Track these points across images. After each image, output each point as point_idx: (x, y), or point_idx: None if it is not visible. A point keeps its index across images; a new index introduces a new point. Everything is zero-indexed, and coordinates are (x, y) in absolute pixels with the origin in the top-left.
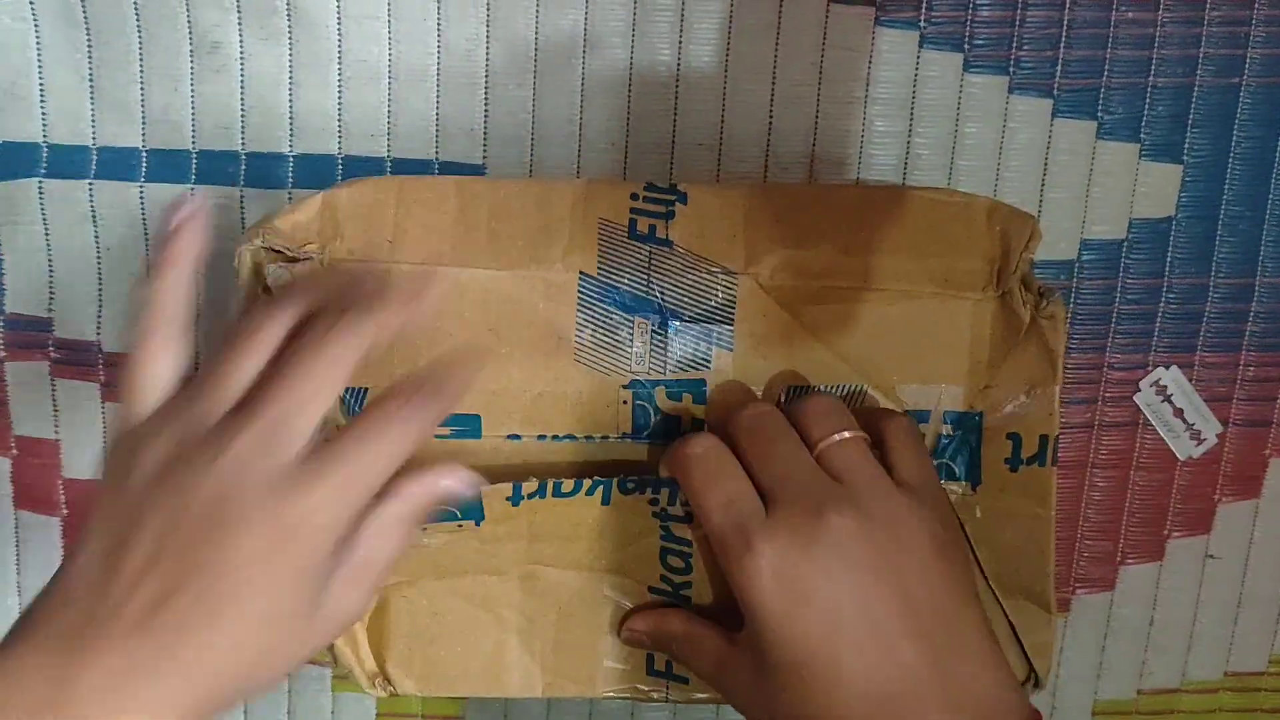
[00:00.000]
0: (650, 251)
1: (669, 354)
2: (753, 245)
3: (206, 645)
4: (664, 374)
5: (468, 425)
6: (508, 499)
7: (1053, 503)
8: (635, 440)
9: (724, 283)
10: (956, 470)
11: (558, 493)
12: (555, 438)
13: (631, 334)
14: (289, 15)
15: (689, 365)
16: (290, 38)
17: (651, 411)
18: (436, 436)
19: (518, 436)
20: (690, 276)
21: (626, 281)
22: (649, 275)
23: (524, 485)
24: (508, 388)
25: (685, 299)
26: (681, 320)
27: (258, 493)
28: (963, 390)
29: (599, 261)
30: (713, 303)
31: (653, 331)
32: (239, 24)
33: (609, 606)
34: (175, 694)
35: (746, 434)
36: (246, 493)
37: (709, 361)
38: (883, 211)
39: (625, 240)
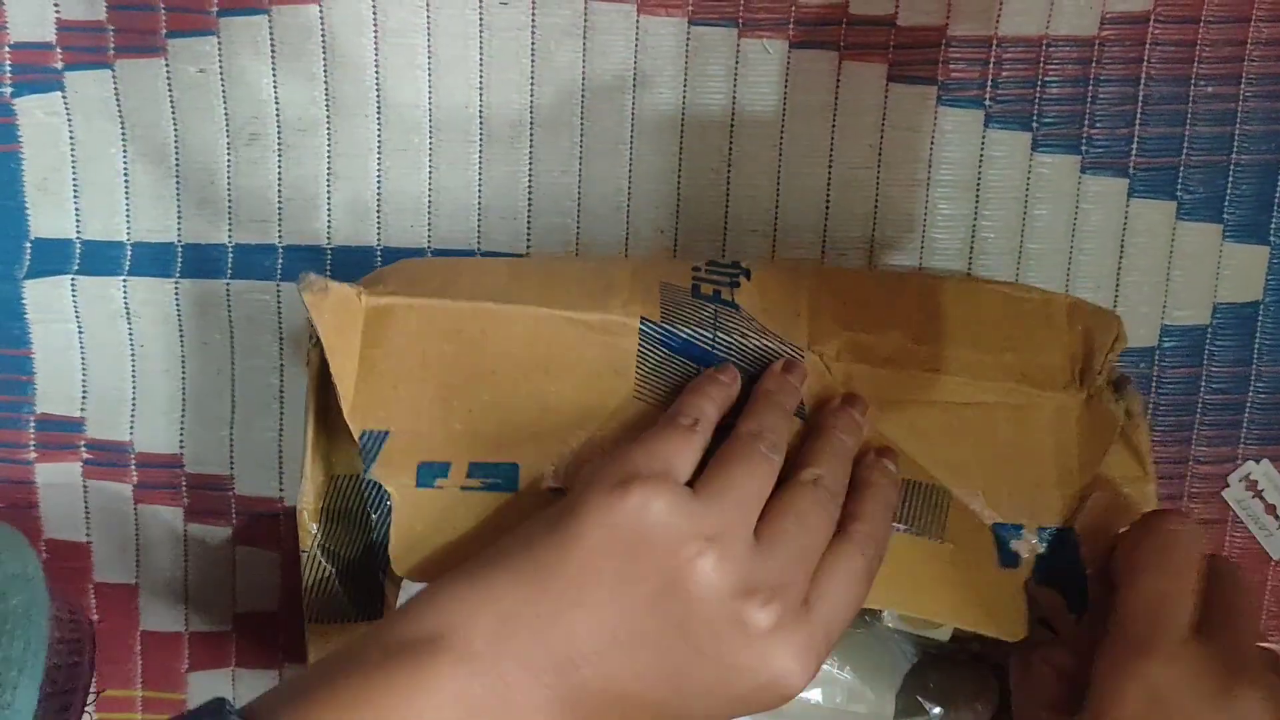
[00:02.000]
0: (716, 310)
1: (735, 409)
2: (817, 324)
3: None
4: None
5: (501, 477)
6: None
7: None
8: None
9: (790, 356)
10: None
11: None
12: None
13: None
14: (327, 105)
15: None
16: (329, 127)
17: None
18: (462, 488)
19: (561, 491)
20: (756, 341)
21: (690, 333)
22: (714, 333)
23: None
24: (553, 432)
25: (752, 362)
26: (750, 380)
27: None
28: (1054, 501)
29: (662, 311)
30: None
31: None
32: (277, 115)
33: None
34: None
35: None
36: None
37: None
38: (954, 301)
39: (689, 298)
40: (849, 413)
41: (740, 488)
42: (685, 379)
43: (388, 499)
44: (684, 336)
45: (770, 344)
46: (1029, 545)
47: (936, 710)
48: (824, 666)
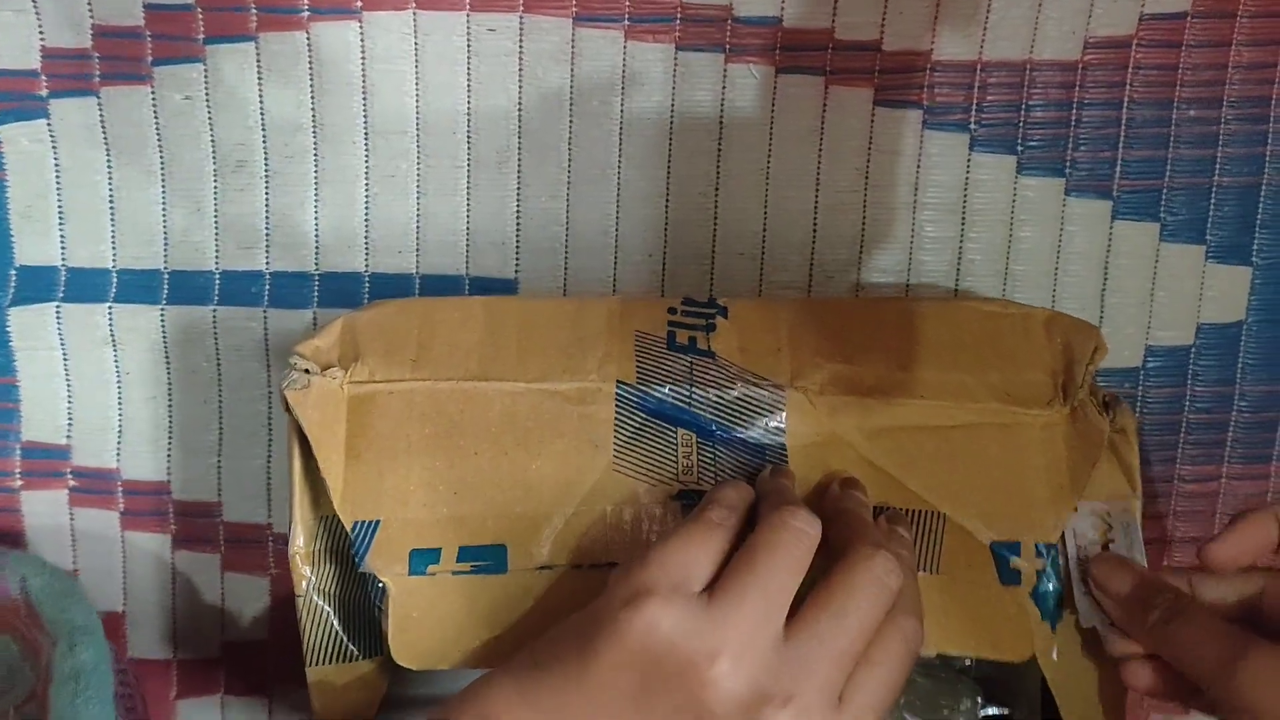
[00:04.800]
0: (691, 362)
1: (718, 468)
2: (798, 359)
3: None
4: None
5: (490, 559)
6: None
7: None
8: None
9: (772, 397)
10: (1049, 611)
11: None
12: (595, 566)
13: (676, 445)
14: (314, 132)
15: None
16: (316, 154)
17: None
18: (453, 573)
19: (550, 567)
20: (735, 390)
21: (667, 393)
22: (690, 388)
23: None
24: (537, 510)
25: (732, 414)
26: (730, 435)
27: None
28: (1049, 518)
29: (637, 371)
30: (761, 419)
31: (699, 443)
32: (264, 142)
33: None
34: None
35: None
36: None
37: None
38: (934, 324)
39: (664, 351)
40: (855, 494)
41: (763, 586)
42: (663, 445)
43: (383, 588)
44: (659, 397)
45: (751, 391)
46: (1029, 562)
47: None
48: None
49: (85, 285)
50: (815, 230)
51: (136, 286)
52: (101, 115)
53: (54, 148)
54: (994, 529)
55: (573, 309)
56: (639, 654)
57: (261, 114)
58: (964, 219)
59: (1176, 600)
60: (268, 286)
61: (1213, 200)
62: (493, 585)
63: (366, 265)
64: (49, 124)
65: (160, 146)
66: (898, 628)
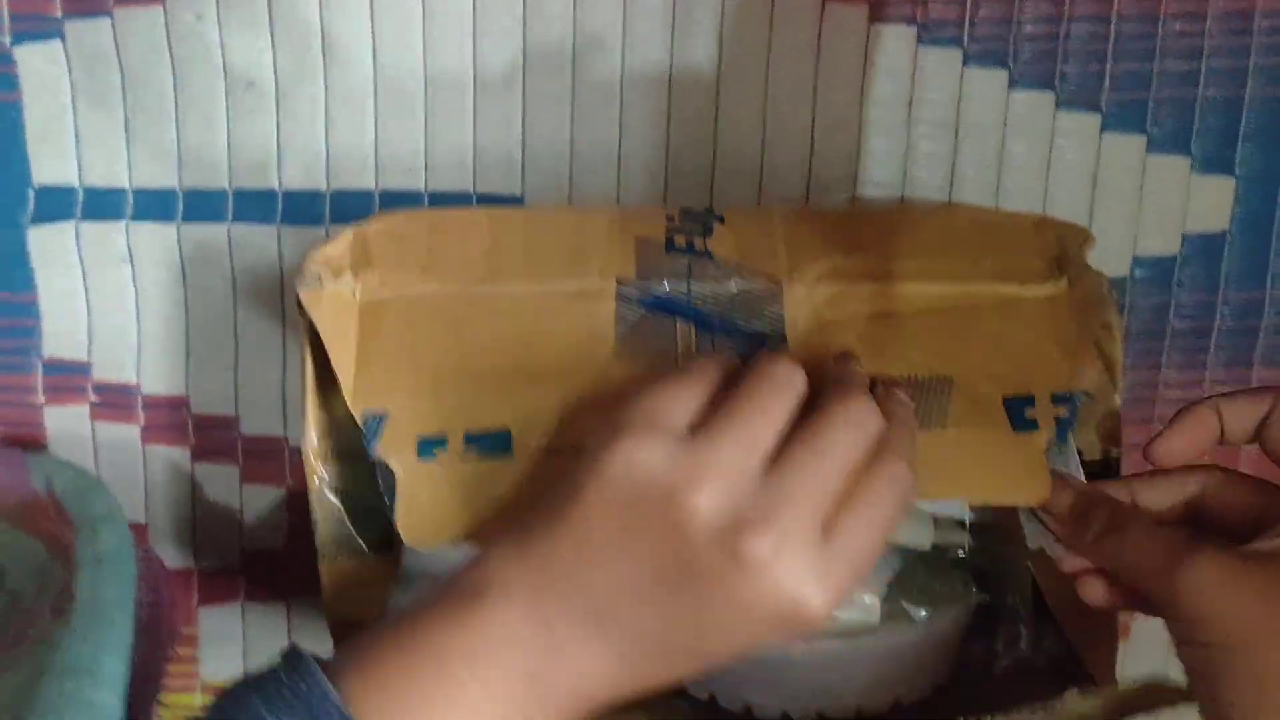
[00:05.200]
0: (689, 262)
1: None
2: (794, 257)
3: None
4: None
5: (495, 444)
6: None
7: None
8: None
9: (769, 289)
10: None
11: None
12: None
13: (675, 336)
14: (324, 51)
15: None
16: (325, 73)
17: None
18: (460, 458)
19: (555, 451)
20: (732, 284)
21: (666, 288)
22: (689, 283)
23: None
24: (541, 398)
25: (730, 307)
26: (729, 326)
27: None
28: (1062, 370)
29: (637, 271)
30: (759, 309)
31: (698, 334)
32: (274, 61)
33: None
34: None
35: None
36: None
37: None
38: (927, 223)
39: (663, 254)
40: (848, 366)
41: (745, 424)
42: (663, 335)
43: (391, 476)
44: (658, 293)
45: (748, 284)
46: (1044, 410)
47: (922, 613)
48: None
49: (102, 204)
50: (812, 147)
51: (152, 205)
52: (115, 35)
53: (69, 68)
54: (1005, 387)
55: (575, 218)
56: (620, 490)
57: (271, 35)
58: (957, 134)
59: (1115, 512)
60: (280, 204)
61: (1198, 112)
62: (498, 469)
63: (377, 183)
64: (64, 45)
65: (173, 66)
66: (885, 471)
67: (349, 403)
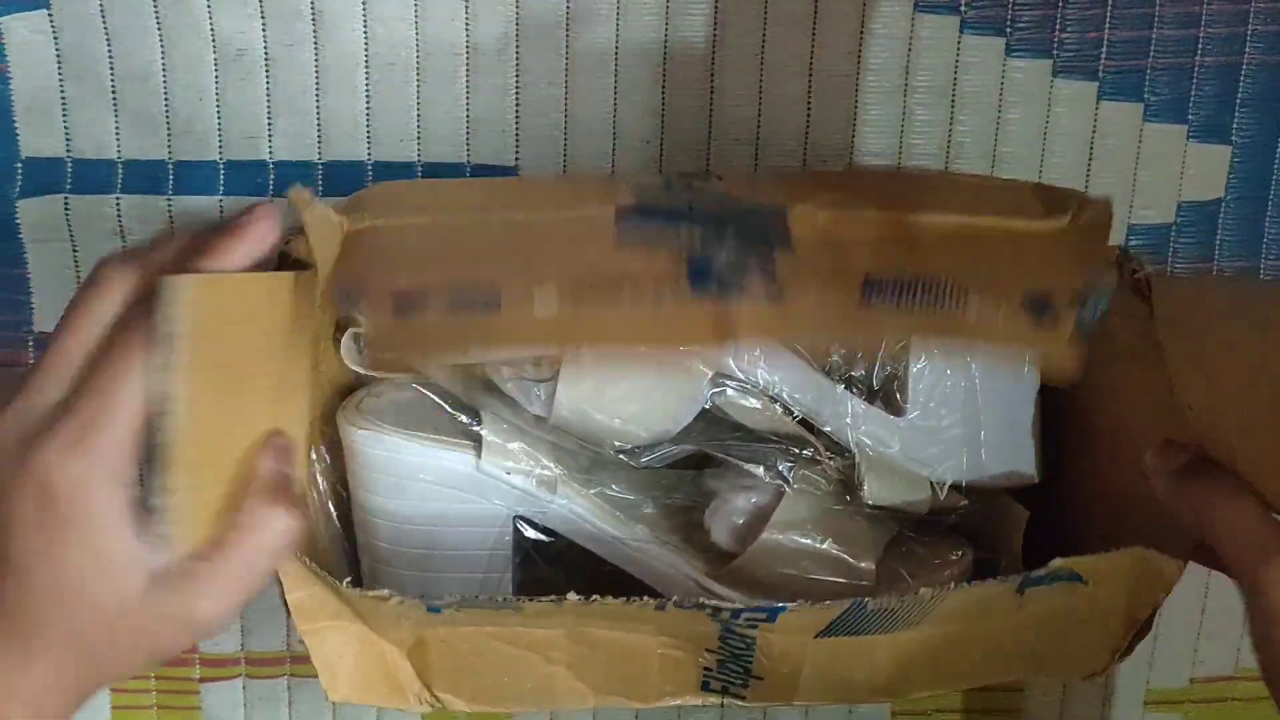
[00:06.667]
0: (690, 199)
1: (725, 243)
2: (798, 195)
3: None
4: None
5: (483, 295)
6: (550, 602)
7: None
8: (695, 292)
9: (775, 208)
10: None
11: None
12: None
13: (679, 237)
14: (314, 19)
15: (749, 255)
16: (315, 42)
17: (712, 268)
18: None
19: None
20: (736, 205)
21: (666, 206)
22: (691, 203)
23: (569, 596)
24: (535, 274)
25: (729, 212)
26: (733, 228)
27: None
28: (1079, 273)
29: (636, 198)
30: (764, 224)
31: (700, 238)
32: (263, 30)
33: (661, 652)
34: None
35: None
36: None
37: (773, 253)
38: (925, 180)
39: (662, 190)
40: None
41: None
42: (667, 235)
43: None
44: (660, 208)
45: (753, 209)
46: (1064, 306)
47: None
48: (805, 540)
49: (91, 177)
50: (809, 115)
51: (142, 177)
52: (102, 5)
53: (55, 38)
54: (1022, 290)
55: (570, 182)
56: None
57: (260, 3)
58: (954, 101)
59: (1220, 476)
60: (272, 176)
61: (1195, 80)
62: (483, 326)
63: (369, 154)
64: (49, 14)
65: (161, 36)
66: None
67: (323, 284)
